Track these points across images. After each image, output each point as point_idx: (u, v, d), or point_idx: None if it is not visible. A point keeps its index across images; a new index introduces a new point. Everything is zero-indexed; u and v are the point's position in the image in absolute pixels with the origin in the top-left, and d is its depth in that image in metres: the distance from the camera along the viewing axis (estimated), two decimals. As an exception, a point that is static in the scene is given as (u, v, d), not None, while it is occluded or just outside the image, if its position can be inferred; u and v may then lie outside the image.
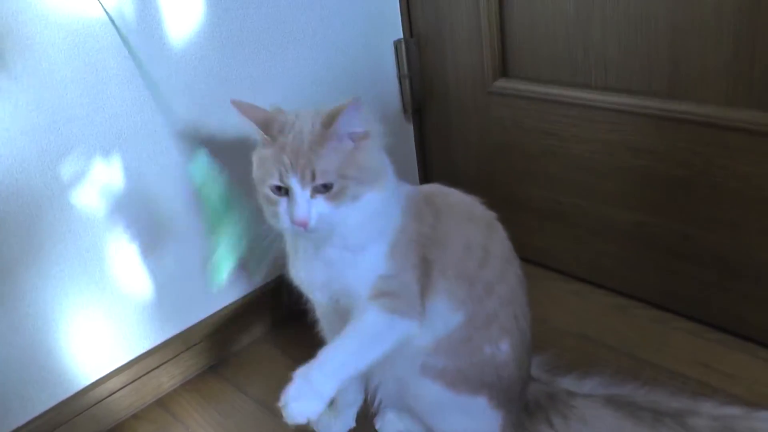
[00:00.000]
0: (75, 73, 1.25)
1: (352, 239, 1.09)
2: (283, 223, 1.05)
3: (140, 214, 1.41)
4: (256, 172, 1.09)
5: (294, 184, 1.02)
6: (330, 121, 1.02)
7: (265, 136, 1.07)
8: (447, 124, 1.83)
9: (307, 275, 1.16)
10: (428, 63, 1.80)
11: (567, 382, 1.33)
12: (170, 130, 1.40)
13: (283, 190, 1.04)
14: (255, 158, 1.10)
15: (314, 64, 1.61)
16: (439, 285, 1.13)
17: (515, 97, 1.64)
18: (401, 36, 1.79)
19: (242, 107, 1.08)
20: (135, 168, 1.38)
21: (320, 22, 1.59)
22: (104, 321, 1.42)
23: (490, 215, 1.21)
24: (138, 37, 1.30)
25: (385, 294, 1.10)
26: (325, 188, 1.02)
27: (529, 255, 1.76)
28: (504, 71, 1.65)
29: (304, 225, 1.02)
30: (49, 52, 1.21)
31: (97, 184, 1.33)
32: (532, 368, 1.29)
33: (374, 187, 1.06)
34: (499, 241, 1.20)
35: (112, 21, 1.24)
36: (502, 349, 1.18)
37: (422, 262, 1.13)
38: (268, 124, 1.07)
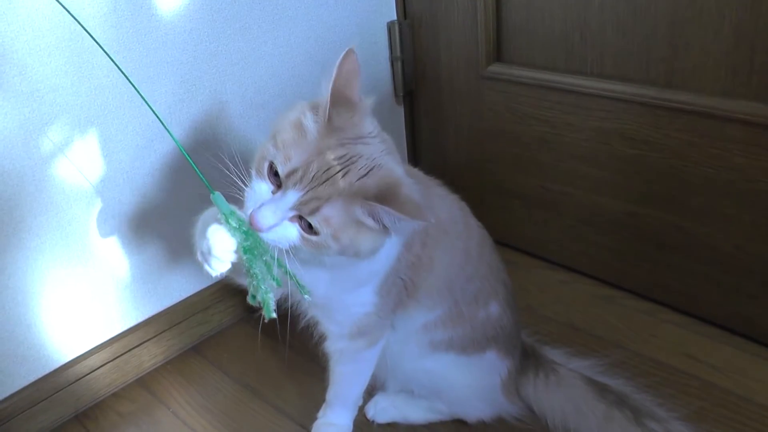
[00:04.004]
0: (59, 41, 1.21)
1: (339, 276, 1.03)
2: (245, 204, 0.92)
3: (123, 189, 1.38)
4: (278, 131, 0.91)
5: (289, 195, 0.87)
6: (383, 199, 0.86)
7: (325, 117, 0.88)
8: (438, 109, 1.81)
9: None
10: (421, 46, 1.78)
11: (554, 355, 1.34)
12: (157, 103, 1.37)
13: (276, 179, 0.89)
14: (290, 118, 0.92)
15: (306, 42, 1.58)
16: (421, 301, 1.14)
17: (509, 83, 1.62)
18: (395, 18, 1.77)
19: (348, 64, 0.89)
20: (119, 141, 1.34)
21: (313, 1, 1.56)
22: (85, 297, 1.40)
23: (464, 211, 1.18)
24: (126, 7, 1.27)
25: (362, 333, 1.13)
26: (310, 228, 0.88)
27: (517, 243, 1.76)
28: (498, 56, 1.63)
29: (257, 229, 0.88)
30: (33, 17, 1.17)
31: (80, 156, 1.30)
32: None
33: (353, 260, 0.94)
34: (474, 230, 1.19)
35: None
36: (493, 309, 1.20)
37: (407, 285, 1.11)
38: (342, 109, 0.89)
